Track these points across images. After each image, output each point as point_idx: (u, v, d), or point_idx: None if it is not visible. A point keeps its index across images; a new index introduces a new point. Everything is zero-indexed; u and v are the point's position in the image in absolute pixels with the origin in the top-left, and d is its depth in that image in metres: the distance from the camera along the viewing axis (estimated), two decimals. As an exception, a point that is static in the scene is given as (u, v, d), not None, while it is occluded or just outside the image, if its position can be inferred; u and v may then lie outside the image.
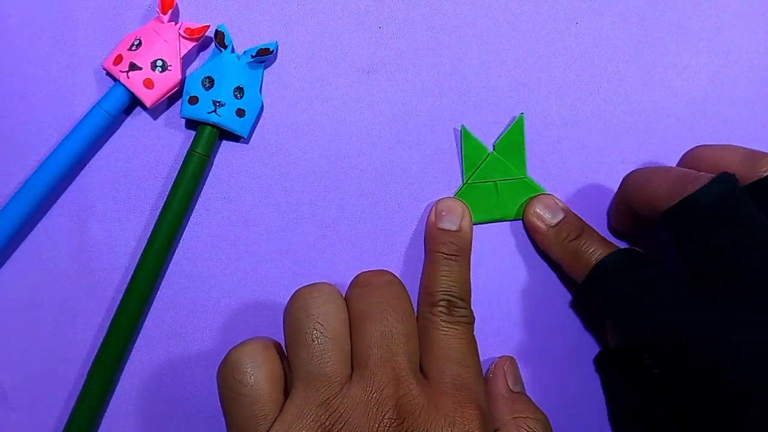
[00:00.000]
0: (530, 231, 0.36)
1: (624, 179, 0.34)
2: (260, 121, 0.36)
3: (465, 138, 0.35)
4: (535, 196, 0.35)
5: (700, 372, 0.27)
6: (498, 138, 0.36)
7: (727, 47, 0.36)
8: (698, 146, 0.34)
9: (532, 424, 0.31)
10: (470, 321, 0.33)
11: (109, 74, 0.35)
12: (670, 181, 0.30)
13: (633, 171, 0.33)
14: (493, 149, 0.36)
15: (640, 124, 0.36)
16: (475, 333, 0.33)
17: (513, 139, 0.35)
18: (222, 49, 0.35)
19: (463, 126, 0.35)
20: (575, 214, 0.35)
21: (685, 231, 0.29)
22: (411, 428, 0.27)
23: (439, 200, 0.35)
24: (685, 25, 0.36)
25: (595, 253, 0.33)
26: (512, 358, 0.35)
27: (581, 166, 0.36)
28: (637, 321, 0.30)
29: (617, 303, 0.31)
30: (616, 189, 0.35)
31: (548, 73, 0.36)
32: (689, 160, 0.34)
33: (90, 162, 0.36)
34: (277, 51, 0.36)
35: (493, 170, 0.35)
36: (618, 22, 0.36)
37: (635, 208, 0.33)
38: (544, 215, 0.35)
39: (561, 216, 0.35)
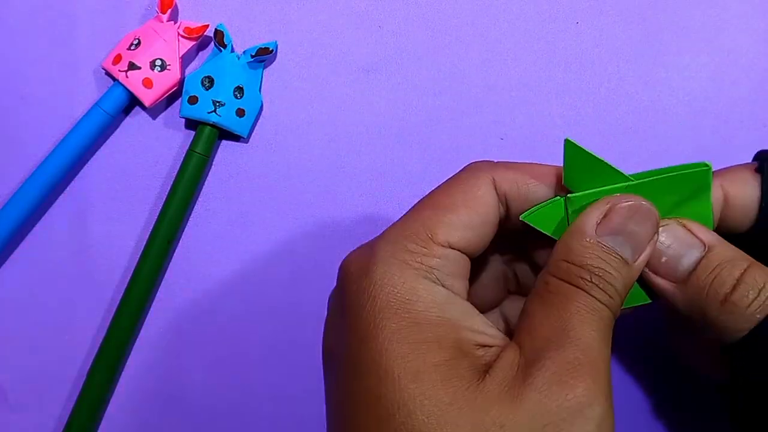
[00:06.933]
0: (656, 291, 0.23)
1: None
2: (260, 121, 0.36)
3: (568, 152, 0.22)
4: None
5: None
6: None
7: (727, 47, 0.36)
8: None
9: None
10: None
11: (108, 74, 0.35)
12: None
13: None
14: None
15: (640, 124, 0.36)
16: None
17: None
18: (221, 49, 0.35)
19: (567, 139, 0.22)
20: (723, 241, 0.23)
21: None
22: None
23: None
24: (685, 25, 0.36)
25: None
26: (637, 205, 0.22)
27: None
28: None
29: None
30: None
31: (548, 73, 0.36)
32: None
33: (89, 162, 0.36)
34: (276, 50, 0.36)
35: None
36: (618, 22, 0.36)
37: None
38: (670, 263, 0.21)
39: (698, 252, 0.22)
